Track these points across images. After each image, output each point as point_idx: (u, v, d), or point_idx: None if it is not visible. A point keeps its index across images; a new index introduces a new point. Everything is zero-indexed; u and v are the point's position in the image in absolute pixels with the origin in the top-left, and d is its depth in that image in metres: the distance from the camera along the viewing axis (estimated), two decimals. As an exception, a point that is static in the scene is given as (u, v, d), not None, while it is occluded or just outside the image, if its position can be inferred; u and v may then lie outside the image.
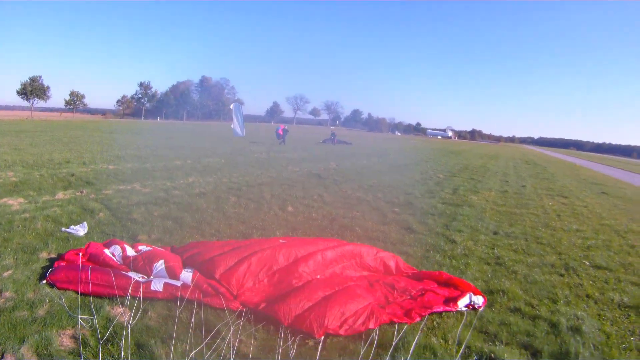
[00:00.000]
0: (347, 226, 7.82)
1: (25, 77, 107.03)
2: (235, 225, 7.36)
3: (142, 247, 5.28)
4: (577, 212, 11.62)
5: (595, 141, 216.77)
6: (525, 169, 27.66)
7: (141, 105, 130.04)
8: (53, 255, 5.26)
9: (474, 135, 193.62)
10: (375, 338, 3.54)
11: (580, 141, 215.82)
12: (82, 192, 9.31)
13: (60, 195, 8.91)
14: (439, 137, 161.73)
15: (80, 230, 6.29)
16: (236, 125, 38.65)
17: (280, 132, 35.42)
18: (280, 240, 5.51)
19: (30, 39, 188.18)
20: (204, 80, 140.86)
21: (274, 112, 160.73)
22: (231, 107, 40.30)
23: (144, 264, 4.70)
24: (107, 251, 5.06)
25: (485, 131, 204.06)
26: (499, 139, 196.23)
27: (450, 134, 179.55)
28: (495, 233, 8.16)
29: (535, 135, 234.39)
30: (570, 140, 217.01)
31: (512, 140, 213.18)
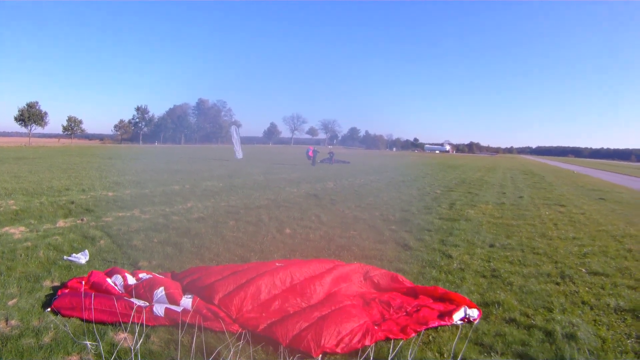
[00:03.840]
0: (344, 246, 7.91)
1: (22, 103, 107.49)
2: (234, 249, 7.44)
3: (143, 275, 5.40)
4: (574, 219, 11.77)
5: (593, 147, 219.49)
6: (523, 180, 27.85)
7: (139, 130, 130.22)
8: (56, 284, 5.37)
9: (471, 148, 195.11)
10: (372, 355, 3.66)
11: (578, 148, 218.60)
12: (82, 219, 9.41)
13: (61, 223, 9.02)
14: (437, 151, 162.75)
15: (82, 258, 6.40)
16: (237, 149, 39.64)
17: (311, 153, 36.49)
18: (277, 264, 5.62)
19: (27, 63, 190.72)
20: (200, 103, 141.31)
21: (271, 133, 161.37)
22: (231, 130, 41.50)
23: (144, 291, 4.82)
24: (109, 280, 5.18)
25: (483, 143, 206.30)
26: (497, 151, 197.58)
27: (448, 148, 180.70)
28: (491, 246, 8.27)
29: (533, 144, 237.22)
30: (568, 147, 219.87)
31: (510, 151, 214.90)
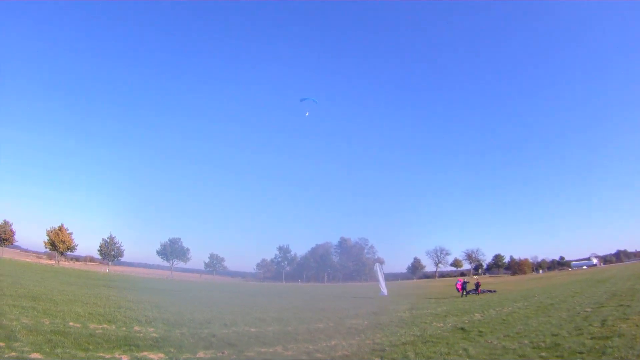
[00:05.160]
0: (492, 378, 8.21)
1: (165, 238, 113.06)
2: (379, 386, 7.88)
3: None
4: None
5: None
6: (676, 279, 24.08)
7: (281, 269, 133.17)
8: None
9: (619, 256, 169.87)
10: None
11: None
12: (223, 352, 9.58)
13: (201, 354, 9.29)
14: (584, 267, 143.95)
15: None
16: (382, 286, 40.63)
17: (459, 285, 37.17)
18: None
19: (171, 204, 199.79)
20: (342, 242, 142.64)
21: (415, 268, 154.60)
22: (375, 267, 44.06)
23: None
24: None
25: (630, 249, 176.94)
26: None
27: (595, 261, 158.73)
28: (646, 359, 8.34)
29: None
30: None
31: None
